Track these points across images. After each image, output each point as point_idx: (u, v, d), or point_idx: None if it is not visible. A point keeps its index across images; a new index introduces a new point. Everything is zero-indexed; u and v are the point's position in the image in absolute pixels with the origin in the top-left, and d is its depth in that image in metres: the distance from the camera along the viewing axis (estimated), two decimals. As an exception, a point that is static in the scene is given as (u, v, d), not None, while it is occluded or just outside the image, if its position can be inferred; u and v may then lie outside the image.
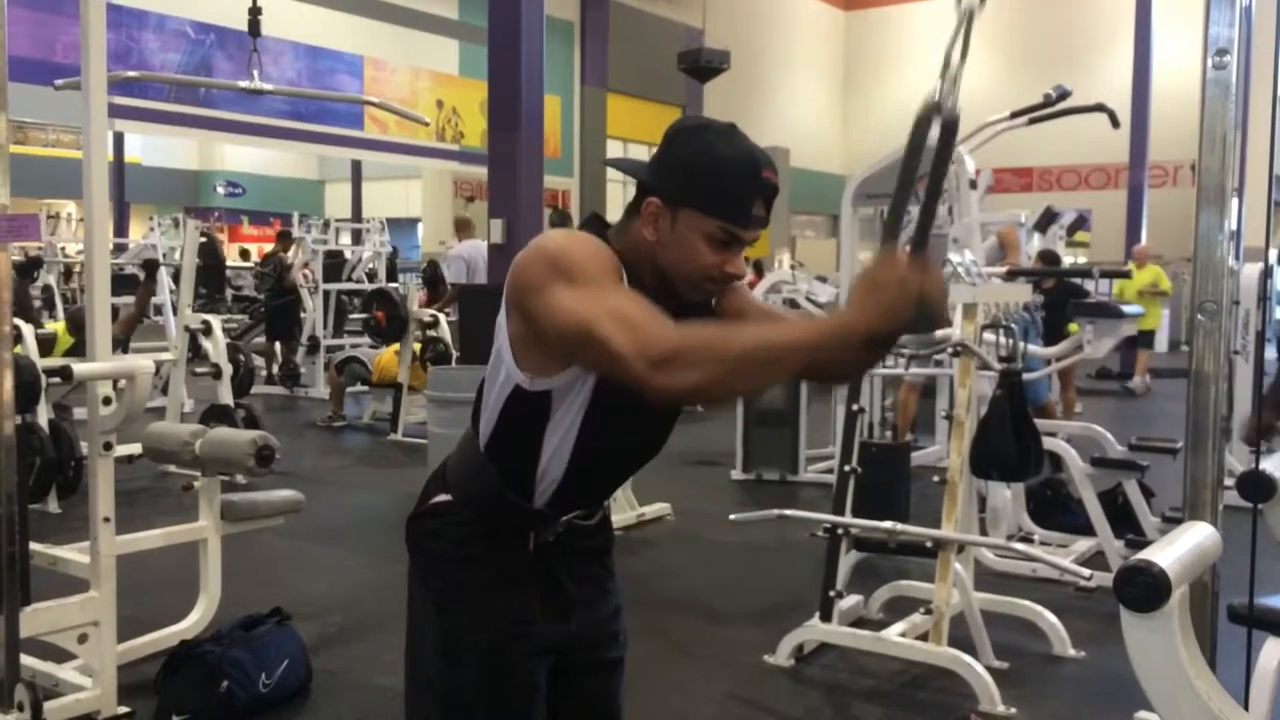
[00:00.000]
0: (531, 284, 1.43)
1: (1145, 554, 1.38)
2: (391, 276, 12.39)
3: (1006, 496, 4.79)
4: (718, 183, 1.46)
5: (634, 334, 1.33)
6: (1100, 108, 6.07)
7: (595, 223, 1.58)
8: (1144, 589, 1.34)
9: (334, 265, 11.32)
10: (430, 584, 1.64)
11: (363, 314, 8.69)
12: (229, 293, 17.46)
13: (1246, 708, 1.87)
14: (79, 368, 3.13)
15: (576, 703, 1.70)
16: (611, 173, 17.34)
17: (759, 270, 12.53)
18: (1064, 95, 5.67)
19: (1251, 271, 6.22)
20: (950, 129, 1.38)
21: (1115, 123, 6.32)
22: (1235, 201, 1.92)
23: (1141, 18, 14.32)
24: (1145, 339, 11.63)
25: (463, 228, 9.30)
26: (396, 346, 8.38)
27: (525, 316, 1.46)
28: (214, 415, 6.12)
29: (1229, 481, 2.32)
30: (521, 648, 1.59)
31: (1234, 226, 1.96)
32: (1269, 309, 6.70)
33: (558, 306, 1.39)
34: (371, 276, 12.00)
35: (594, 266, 1.42)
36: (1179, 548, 1.44)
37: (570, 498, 1.59)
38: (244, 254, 17.45)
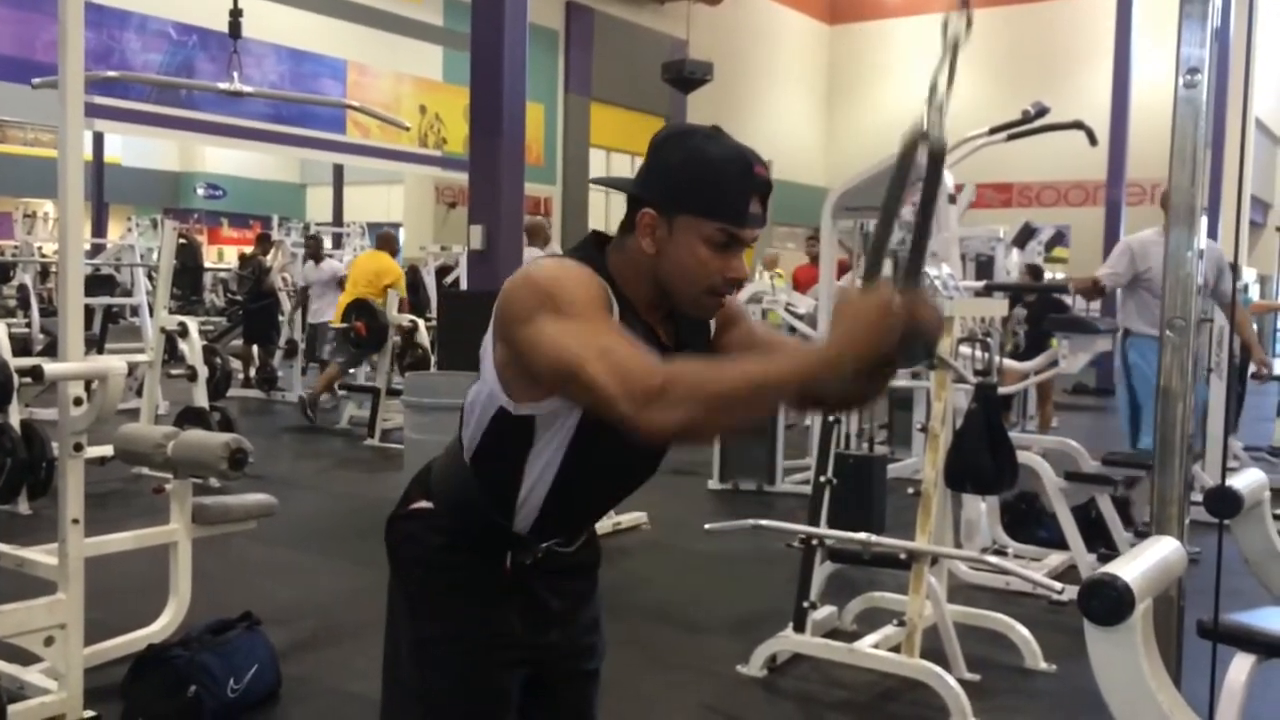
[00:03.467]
0: (518, 315, 1.41)
1: (1110, 568, 1.39)
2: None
3: (981, 509, 4.81)
4: (711, 184, 1.45)
5: (619, 373, 1.31)
6: (1078, 125, 6.12)
7: (592, 244, 1.55)
8: (1108, 602, 1.35)
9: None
10: (405, 587, 1.63)
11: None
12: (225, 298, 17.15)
13: (1211, 722, 1.89)
14: (50, 367, 3.10)
15: (551, 713, 1.69)
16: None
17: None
18: (1043, 112, 5.72)
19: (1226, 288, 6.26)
20: (937, 157, 1.35)
21: (1093, 140, 6.38)
22: (1204, 220, 1.94)
23: (1121, 37, 14.46)
24: None
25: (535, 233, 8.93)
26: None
27: (512, 346, 1.44)
28: (188, 418, 6.07)
29: (1197, 497, 2.35)
30: (493, 658, 1.58)
31: (1203, 245, 1.98)
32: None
33: (544, 341, 1.37)
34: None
35: (582, 299, 1.39)
36: (1143, 562, 1.45)
37: (550, 526, 1.58)
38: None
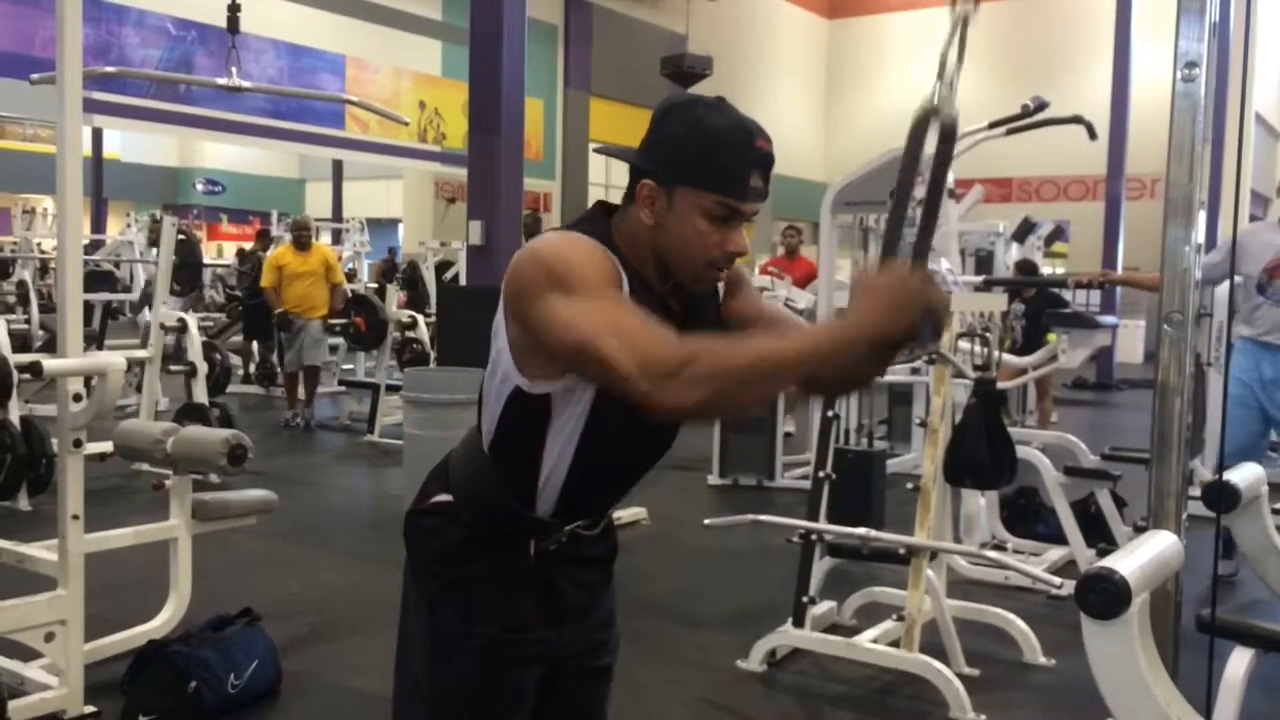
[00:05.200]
0: (528, 291, 1.39)
1: (1107, 562, 1.39)
2: (389, 278, 12.26)
3: (980, 504, 4.81)
4: (711, 156, 1.43)
5: (635, 351, 1.30)
6: (1078, 119, 6.11)
7: (598, 216, 1.53)
8: (1104, 596, 1.35)
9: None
10: (424, 582, 1.61)
11: (340, 319, 8.63)
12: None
13: (1209, 718, 1.89)
14: (49, 363, 3.11)
15: (562, 708, 1.68)
16: (594, 176, 17.32)
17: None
18: (1042, 106, 5.70)
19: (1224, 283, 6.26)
20: (949, 133, 1.34)
21: (1093, 134, 6.36)
22: (1202, 214, 1.94)
23: (1121, 32, 14.44)
24: None
25: None
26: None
27: (524, 324, 1.43)
28: (188, 414, 6.07)
29: (1195, 491, 2.35)
30: (513, 654, 1.57)
31: (1200, 239, 1.98)
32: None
33: (556, 319, 1.36)
34: (351, 276, 11.94)
35: (591, 275, 1.38)
36: (1140, 556, 1.45)
37: (574, 505, 1.56)
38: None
